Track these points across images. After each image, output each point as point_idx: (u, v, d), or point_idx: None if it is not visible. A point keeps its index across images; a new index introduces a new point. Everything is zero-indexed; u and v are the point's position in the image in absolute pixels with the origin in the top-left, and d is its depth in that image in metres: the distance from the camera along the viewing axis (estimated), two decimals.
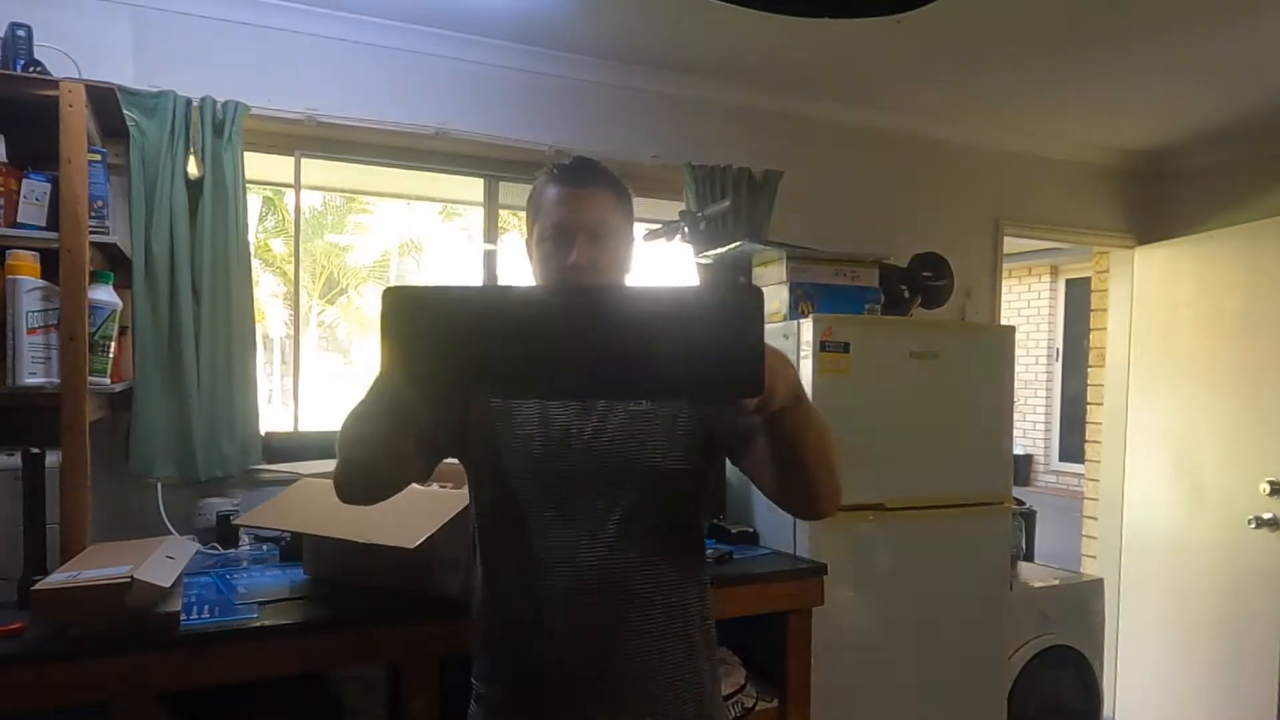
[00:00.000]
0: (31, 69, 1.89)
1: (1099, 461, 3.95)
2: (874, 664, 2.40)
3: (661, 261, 2.94)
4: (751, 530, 2.39)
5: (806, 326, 2.29)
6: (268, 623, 1.55)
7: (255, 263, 2.46)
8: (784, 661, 2.10)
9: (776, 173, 2.99)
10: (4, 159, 1.84)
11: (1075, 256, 7.67)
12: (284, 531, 2.02)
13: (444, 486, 1.73)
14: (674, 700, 1.18)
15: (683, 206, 2.85)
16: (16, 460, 1.69)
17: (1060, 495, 8.30)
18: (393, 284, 0.90)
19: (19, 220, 1.82)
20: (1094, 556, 3.93)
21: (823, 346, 2.27)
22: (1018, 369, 2.80)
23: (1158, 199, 3.88)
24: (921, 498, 2.45)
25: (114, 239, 2.02)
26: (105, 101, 1.98)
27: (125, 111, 2.12)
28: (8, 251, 1.77)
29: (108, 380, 1.91)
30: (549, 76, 2.75)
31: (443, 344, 0.77)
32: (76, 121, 1.76)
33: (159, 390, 2.22)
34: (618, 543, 1.15)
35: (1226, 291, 3.36)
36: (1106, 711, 3.32)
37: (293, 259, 2.91)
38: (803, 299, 2.46)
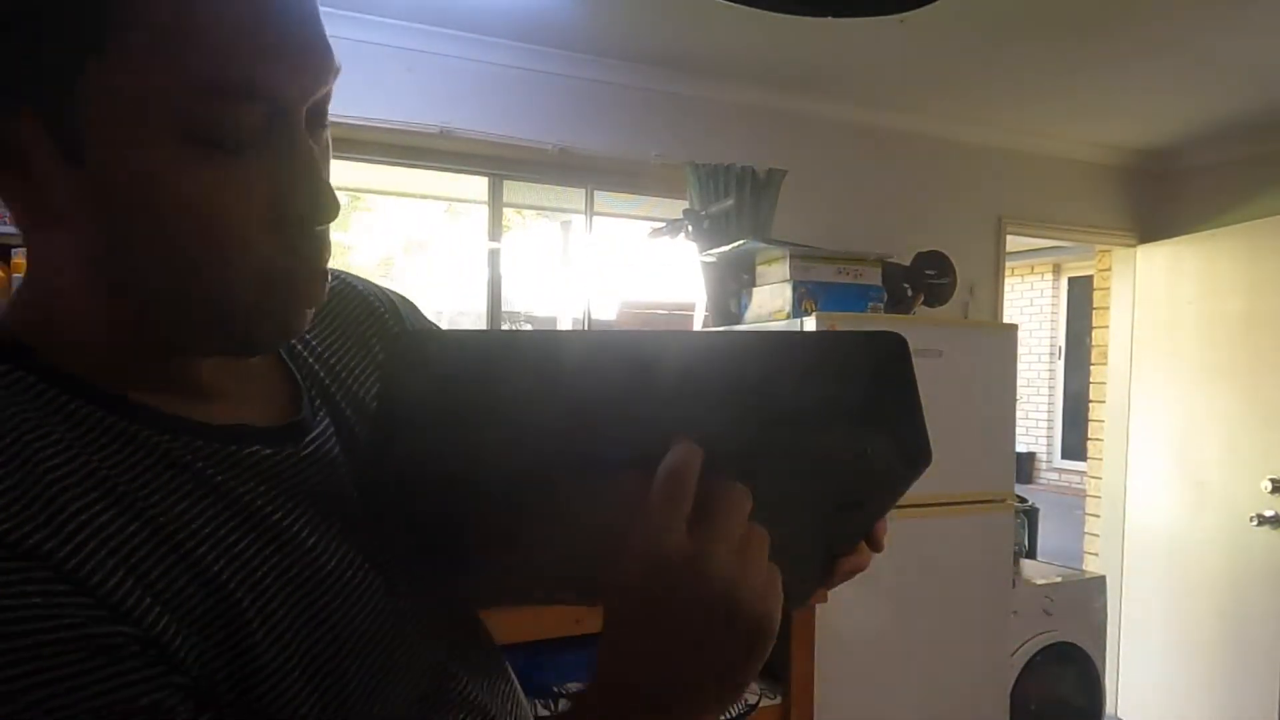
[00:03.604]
0: None
1: (1101, 459, 3.95)
2: (877, 660, 2.41)
3: (666, 259, 2.95)
4: None
5: (810, 325, 2.30)
6: None
7: None
8: (787, 658, 2.10)
9: (780, 171, 2.99)
10: None
11: (1078, 255, 7.68)
12: None
13: None
14: None
15: (686, 205, 2.86)
16: None
17: (1062, 493, 8.32)
18: None
19: None
20: (1096, 554, 3.93)
21: None
22: (1020, 367, 2.80)
23: (1160, 197, 3.88)
24: (924, 495, 2.45)
25: None
26: None
27: None
28: (13, 250, 1.78)
29: None
30: (553, 75, 2.75)
31: None
32: None
33: None
34: None
35: (1229, 290, 3.36)
36: (1109, 708, 3.32)
37: None
38: (806, 297, 2.46)
